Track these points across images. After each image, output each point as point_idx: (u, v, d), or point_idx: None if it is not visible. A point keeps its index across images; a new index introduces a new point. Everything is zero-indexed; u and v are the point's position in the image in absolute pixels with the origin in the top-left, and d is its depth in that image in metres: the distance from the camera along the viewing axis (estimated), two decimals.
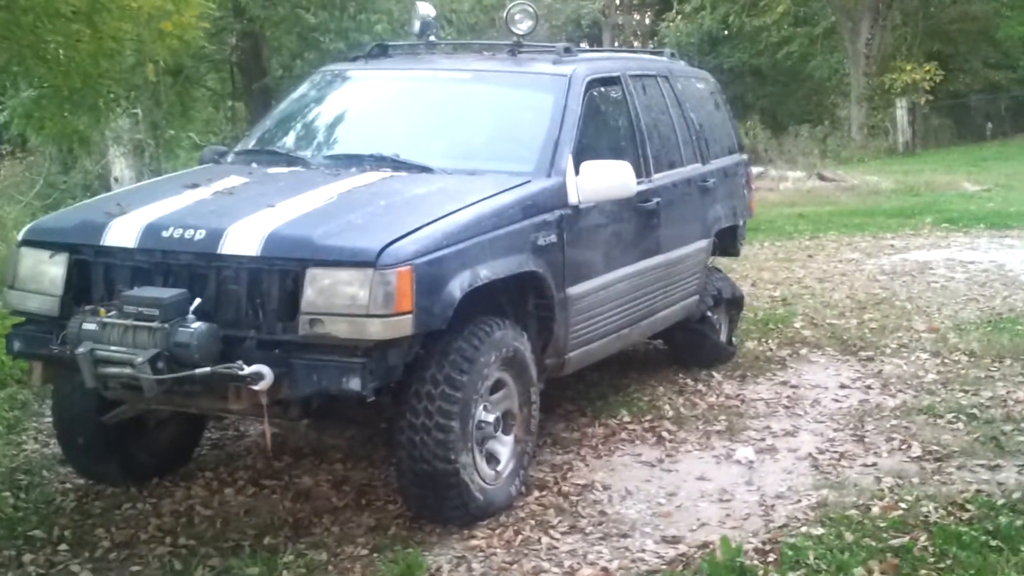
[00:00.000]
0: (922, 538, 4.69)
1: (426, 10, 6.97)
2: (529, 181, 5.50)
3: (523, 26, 6.45)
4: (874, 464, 5.75)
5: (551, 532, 4.93)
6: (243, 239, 4.65)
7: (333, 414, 5.12)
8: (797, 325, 8.88)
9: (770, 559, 4.58)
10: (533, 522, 5.04)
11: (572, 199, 5.61)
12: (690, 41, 33.97)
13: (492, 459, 5.15)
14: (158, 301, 4.50)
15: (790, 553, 4.55)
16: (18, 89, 13.24)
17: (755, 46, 35.26)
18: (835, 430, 6.33)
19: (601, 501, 5.31)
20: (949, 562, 4.45)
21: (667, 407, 6.72)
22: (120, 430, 5.40)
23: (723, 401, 6.91)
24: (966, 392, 6.93)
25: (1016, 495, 5.16)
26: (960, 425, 6.30)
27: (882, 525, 4.85)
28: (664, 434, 6.24)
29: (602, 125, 6.51)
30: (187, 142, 18.16)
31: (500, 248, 5.06)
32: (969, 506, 5.04)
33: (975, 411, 6.51)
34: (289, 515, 5.19)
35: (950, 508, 5.03)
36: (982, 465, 5.67)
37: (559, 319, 5.59)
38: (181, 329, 4.44)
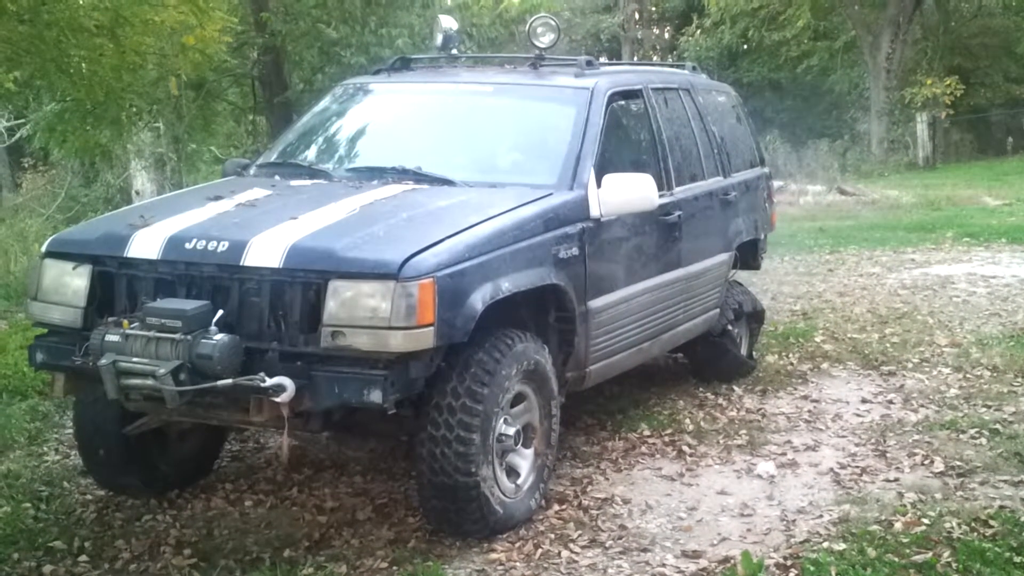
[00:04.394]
0: (945, 554, 4.66)
1: (449, 23, 6.98)
2: (551, 194, 5.50)
3: (545, 39, 6.45)
4: (896, 479, 5.72)
5: (571, 546, 4.92)
6: (266, 251, 4.66)
7: (354, 426, 5.12)
8: (818, 339, 8.84)
9: (792, 574, 4.56)
10: (553, 536, 5.03)
11: (594, 212, 5.60)
12: (710, 55, 33.94)
13: (512, 472, 5.14)
14: (181, 313, 4.52)
15: (812, 569, 4.53)
16: (41, 103, 13.36)
17: (775, 60, 35.22)
18: (857, 445, 6.29)
19: (621, 515, 5.29)
20: None
21: (688, 421, 6.70)
22: (141, 442, 5.42)
23: (744, 415, 6.88)
24: (989, 407, 6.89)
25: None
26: (983, 440, 6.25)
27: (905, 541, 4.82)
28: (684, 448, 6.22)
29: (624, 138, 6.51)
30: (208, 156, 18.25)
31: (522, 261, 5.06)
32: (992, 522, 5.01)
33: (998, 426, 6.46)
34: (309, 528, 5.20)
35: (973, 524, 5.00)
36: (1005, 481, 5.63)
37: (580, 332, 5.58)
38: (203, 341, 4.45)
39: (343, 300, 4.49)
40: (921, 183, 23.57)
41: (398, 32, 14.83)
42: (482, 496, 4.82)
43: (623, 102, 6.44)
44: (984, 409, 6.85)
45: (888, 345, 8.62)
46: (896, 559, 4.62)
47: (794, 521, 5.18)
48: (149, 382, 4.47)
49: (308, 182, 5.86)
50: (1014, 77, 34.57)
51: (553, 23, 6.50)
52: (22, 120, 15.55)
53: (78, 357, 4.77)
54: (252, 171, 6.31)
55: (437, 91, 6.64)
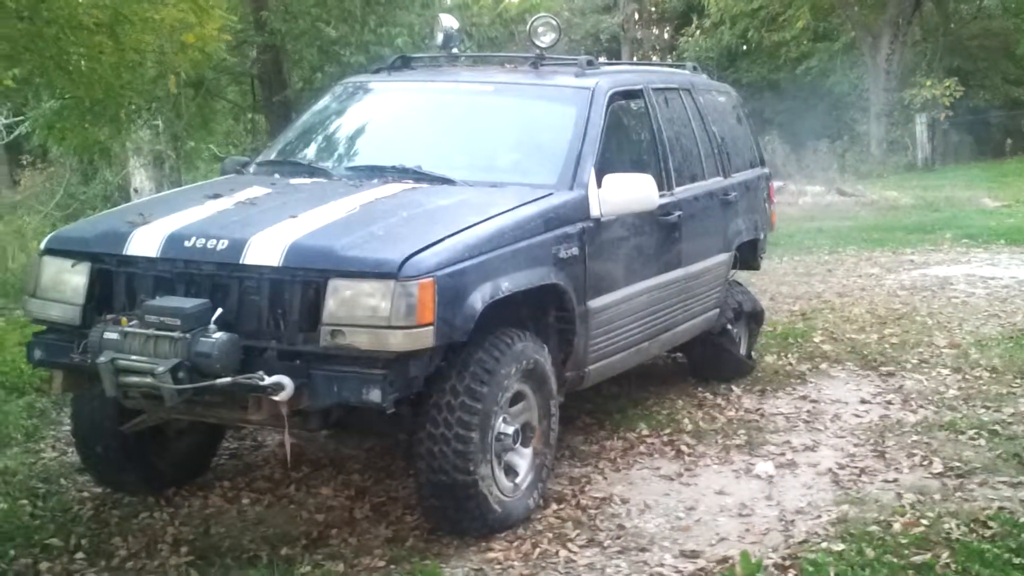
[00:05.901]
0: (944, 555, 4.66)
1: (449, 22, 6.97)
2: (551, 194, 5.49)
3: (546, 39, 6.45)
4: (895, 480, 5.71)
5: (569, 545, 4.92)
6: (265, 249, 4.65)
7: (353, 425, 5.12)
8: (817, 339, 8.84)
9: (790, 575, 4.56)
10: (551, 535, 5.02)
11: (594, 212, 5.60)
12: (709, 56, 33.87)
13: (511, 471, 5.14)
14: (180, 311, 4.51)
15: (810, 569, 4.52)
16: (40, 100, 13.34)
17: (774, 61, 35.16)
18: (856, 445, 6.29)
19: (619, 515, 5.29)
20: None
21: (686, 421, 6.70)
22: (139, 439, 5.41)
23: (742, 415, 6.88)
24: (988, 408, 6.89)
25: None
26: (982, 441, 6.25)
27: (903, 542, 4.82)
28: (683, 448, 6.22)
29: (624, 138, 6.50)
30: (207, 154, 18.23)
31: (522, 260, 5.05)
32: (991, 523, 5.01)
33: (997, 427, 6.46)
34: (306, 526, 5.19)
35: (972, 525, 5.00)
36: (1004, 482, 5.63)
37: (580, 332, 5.57)
38: (202, 339, 4.44)
39: (343, 299, 4.49)
40: (920, 184, 23.55)
41: (398, 31, 14.80)
42: (480, 495, 4.82)
43: (624, 102, 6.43)
44: (983, 410, 6.85)
45: (887, 346, 8.62)
46: (895, 560, 4.62)
47: (793, 521, 5.18)
48: (147, 380, 4.47)
49: (308, 180, 5.85)
50: (1013, 79, 34.54)
51: (554, 23, 6.49)
52: (21, 117, 15.52)
53: (76, 354, 4.77)
54: (251, 169, 6.30)
55: (437, 90, 6.63)
